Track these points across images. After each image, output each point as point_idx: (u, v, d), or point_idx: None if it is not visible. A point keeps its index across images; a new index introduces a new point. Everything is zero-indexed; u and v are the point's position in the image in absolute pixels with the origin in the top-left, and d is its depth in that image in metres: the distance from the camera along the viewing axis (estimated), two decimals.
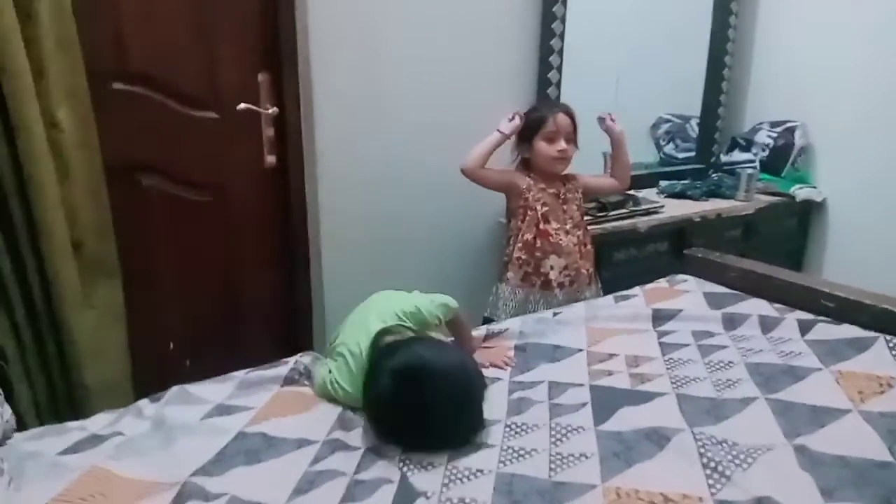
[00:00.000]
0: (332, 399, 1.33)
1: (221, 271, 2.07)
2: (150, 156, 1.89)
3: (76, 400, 1.59)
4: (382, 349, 1.28)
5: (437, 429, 1.17)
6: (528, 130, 2.05)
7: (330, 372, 1.35)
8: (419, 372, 1.18)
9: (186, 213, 1.98)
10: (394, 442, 1.19)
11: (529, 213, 2.05)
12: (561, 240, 2.06)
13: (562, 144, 2.01)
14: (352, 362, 1.31)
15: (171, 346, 2.01)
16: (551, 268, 2.06)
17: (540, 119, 2.03)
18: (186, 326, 2.03)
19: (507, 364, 1.53)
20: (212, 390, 1.35)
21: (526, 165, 2.12)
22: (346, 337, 1.39)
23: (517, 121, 2.03)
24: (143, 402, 1.31)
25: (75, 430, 1.21)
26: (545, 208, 2.05)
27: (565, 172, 2.12)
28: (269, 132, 2.01)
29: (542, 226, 2.05)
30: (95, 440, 1.17)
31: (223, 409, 1.29)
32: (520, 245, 2.07)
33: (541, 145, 2.03)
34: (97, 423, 1.23)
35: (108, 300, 1.64)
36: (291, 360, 1.45)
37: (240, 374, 1.41)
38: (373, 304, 1.45)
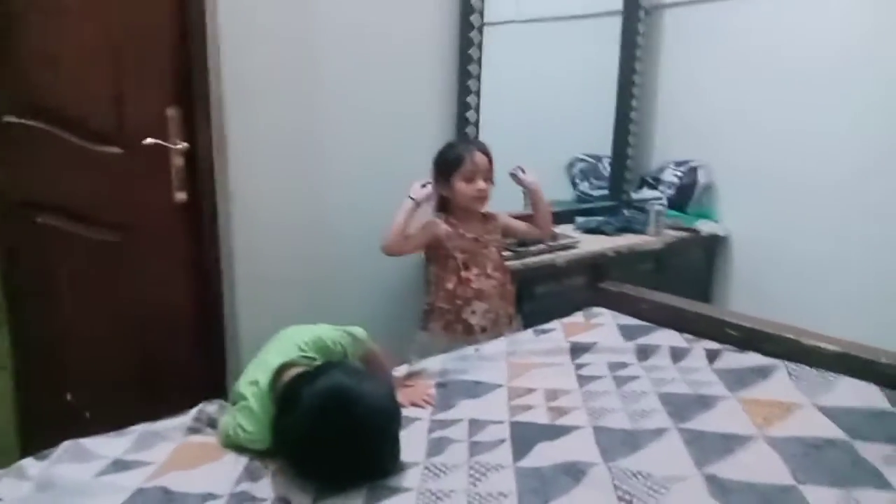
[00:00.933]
0: (237, 447, 1.26)
1: (128, 315, 1.95)
2: (48, 193, 1.78)
3: None
4: (293, 380, 1.22)
5: (359, 457, 1.13)
6: (446, 169, 2.05)
7: (234, 418, 1.28)
8: (343, 395, 1.14)
9: (89, 254, 1.87)
10: (309, 473, 1.15)
11: (450, 261, 2.05)
12: (482, 285, 2.06)
13: (480, 184, 2.03)
14: (252, 401, 1.25)
15: (69, 396, 1.87)
16: (472, 313, 2.06)
17: (457, 159, 2.04)
18: (89, 375, 1.89)
19: (427, 402, 1.50)
20: (108, 445, 1.25)
21: (444, 205, 2.12)
22: (245, 377, 1.33)
23: (429, 189, 2.04)
24: (28, 462, 1.19)
25: None
26: (464, 255, 2.06)
27: (485, 212, 2.13)
28: (178, 168, 1.93)
29: (462, 273, 2.05)
30: None
31: (120, 465, 1.20)
32: (442, 294, 2.07)
33: (460, 185, 2.03)
34: None
35: None
36: (195, 410, 1.37)
37: (140, 427, 1.31)
38: (273, 341, 1.40)
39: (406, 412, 1.42)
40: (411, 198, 2.02)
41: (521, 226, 2.25)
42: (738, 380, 1.54)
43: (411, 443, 1.30)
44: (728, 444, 1.28)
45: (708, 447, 1.27)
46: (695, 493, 1.13)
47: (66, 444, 1.24)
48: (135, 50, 1.83)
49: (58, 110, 1.75)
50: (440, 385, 1.58)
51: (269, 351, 1.35)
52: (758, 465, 1.21)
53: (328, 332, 1.39)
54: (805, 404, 1.42)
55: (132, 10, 1.81)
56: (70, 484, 1.12)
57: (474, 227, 2.09)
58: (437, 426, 1.39)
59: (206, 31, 1.90)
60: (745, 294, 2.97)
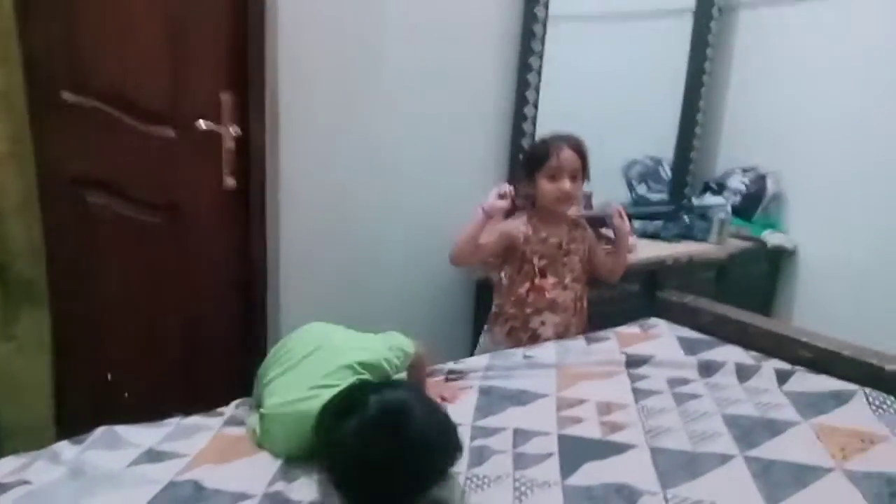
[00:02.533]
0: None
1: (172, 298, 1.94)
2: (100, 172, 1.77)
3: None
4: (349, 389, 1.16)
5: (402, 480, 1.04)
6: (531, 166, 1.90)
7: (261, 423, 1.22)
8: (400, 410, 1.06)
9: (136, 235, 1.85)
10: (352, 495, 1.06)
11: (526, 265, 1.90)
12: (557, 296, 1.91)
13: (565, 184, 1.83)
14: (291, 422, 1.18)
15: (109, 376, 1.86)
16: (542, 324, 1.91)
17: (543, 154, 1.86)
18: (129, 356, 1.89)
19: (448, 400, 1.43)
20: (142, 434, 1.22)
21: (531, 203, 1.96)
22: (282, 387, 1.24)
23: (504, 202, 1.83)
24: (63, 445, 1.17)
25: None
26: (543, 261, 1.90)
27: (575, 218, 1.97)
28: (229, 153, 1.91)
29: (537, 280, 1.89)
30: None
31: (153, 455, 1.16)
32: (512, 299, 1.93)
33: (543, 184, 1.86)
34: (2, 468, 1.09)
35: (32, 330, 1.49)
36: (231, 406, 1.33)
37: (174, 421, 1.28)
38: (315, 347, 1.29)
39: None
40: (482, 209, 1.82)
41: (599, 255, 2.02)
42: (811, 404, 1.42)
43: None
44: (801, 475, 1.17)
45: (778, 479, 1.16)
46: None
47: (101, 430, 1.22)
48: (192, 32, 1.81)
49: (113, 89, 1.73)
50: (483, 391, 1.50)
51: (317, 363, 1.25)
52: (835, 502, 1.10)
53: (383, 353, 1.30)
54: (888, 437, 1.29)
55: None
56: (101, 472, 1.08)
57: (559, 232, 1.93)
58: (479, 433, 1.32)
59: (264, 16, 1.87)
60: (811, 312, 2.79)
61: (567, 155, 1.84)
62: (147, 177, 1.83)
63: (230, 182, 1.93)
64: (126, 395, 1.85)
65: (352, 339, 1.35)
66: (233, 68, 1.88)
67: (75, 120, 1.70)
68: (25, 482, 1.04)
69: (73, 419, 1.56)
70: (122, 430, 1.22)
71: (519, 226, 1.91)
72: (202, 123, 1.83)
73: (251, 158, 1.94)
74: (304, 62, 1.97)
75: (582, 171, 1.88)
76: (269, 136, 1.95)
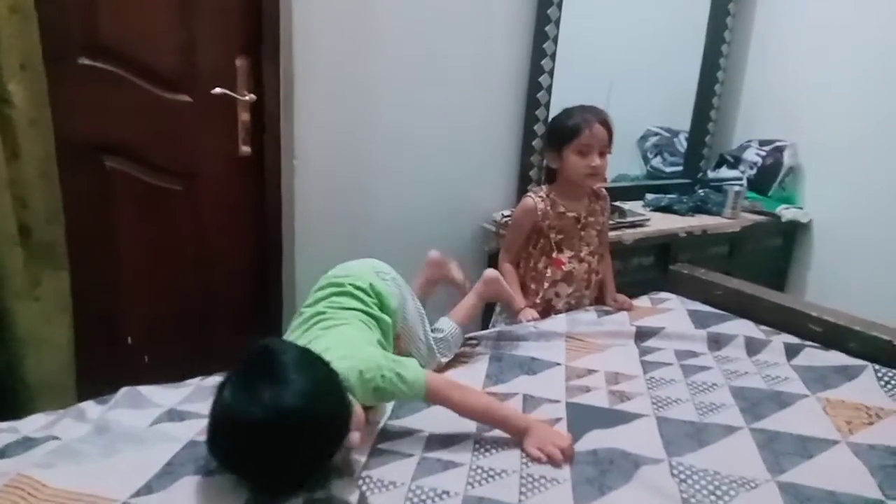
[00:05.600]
0: None
1: (189, 262, 1.97)
2: (117, 137, 1.79)
3: (16, 399, 1.47)
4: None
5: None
6: (558, 139, 1.84)
7: None
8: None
9: (153, 200, 1.88)
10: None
11: (542, 240, 1.90)
12: (574, 268, 1.91)
13: (595, 160, 1.80)
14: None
15: (130, 340, 1.91)
16: (556, 295, 1.92)
17: (573, 129, 1.80)
18: (149, 320, 1.93)
19: (555, 458, 1.13)
20: (164, 394, 1.26)
21: (551, 176, 1.94)
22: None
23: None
24: (88, 404, 1.21)
25: (4, 431, 1.10)
26: (560, 236, 1.89)
27: (597, 189, 1.94)
28: (244, 120, 1.92)
29: (554, 254, 1.89)
30: (26, 444, 1.07)
31: (175, 415, 1.20)
32: (532, 274, 1.93)
33: (572, 159, 1.81)
34: (30, 424, 1.13)
35: (54, 291, 1.52)
36: None
37: (195, 381, 1.32)
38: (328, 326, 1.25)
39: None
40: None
41: (605, 240, 2.02)
42: (819, 379, 1.43)
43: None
44: (806, 446, 1.19)
45: (783, 450, 1.17)
46: (766, 499, 1.05)
47: (125, 389, 1.25)
48: None
49: (130, 55, 1.74)
50: (494, 358, 1.53)
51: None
52: (839, 473, 1.12)
53: (378, 369, 1.13)
54: (895, 411, 1.30)
55: None
56: (126, 430, 1.12)
57: (578, 205, 1.91)
58: None
59: None
60: (824, 287, 2.79)
61: (598, 130, 1.81)
62: (163, 143, 1.85)
63: (245, 149, 1.94)
64: (146, 358, 1.89)
65: (361, 336, 1.24)
66: (247, 34, 1.88)
67: (93, 85, 1.71)
68: (54, 437, 1.09)
69: (94, 380, 1.61)
70: (144, 390, 1.26)
71: (537, 203, 1.89)
72: (218, 90, 1.84)
73: (266, 125, 1.96)
74: (319, 28, 1.97)
75: (609, 147, 1.85)
76: (283, 102, 1.96)
